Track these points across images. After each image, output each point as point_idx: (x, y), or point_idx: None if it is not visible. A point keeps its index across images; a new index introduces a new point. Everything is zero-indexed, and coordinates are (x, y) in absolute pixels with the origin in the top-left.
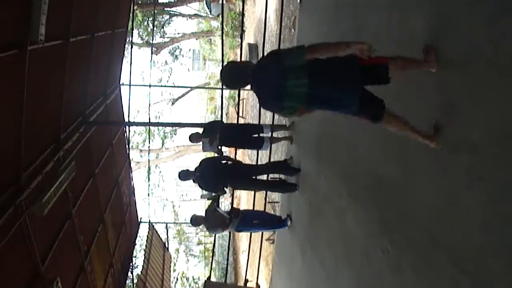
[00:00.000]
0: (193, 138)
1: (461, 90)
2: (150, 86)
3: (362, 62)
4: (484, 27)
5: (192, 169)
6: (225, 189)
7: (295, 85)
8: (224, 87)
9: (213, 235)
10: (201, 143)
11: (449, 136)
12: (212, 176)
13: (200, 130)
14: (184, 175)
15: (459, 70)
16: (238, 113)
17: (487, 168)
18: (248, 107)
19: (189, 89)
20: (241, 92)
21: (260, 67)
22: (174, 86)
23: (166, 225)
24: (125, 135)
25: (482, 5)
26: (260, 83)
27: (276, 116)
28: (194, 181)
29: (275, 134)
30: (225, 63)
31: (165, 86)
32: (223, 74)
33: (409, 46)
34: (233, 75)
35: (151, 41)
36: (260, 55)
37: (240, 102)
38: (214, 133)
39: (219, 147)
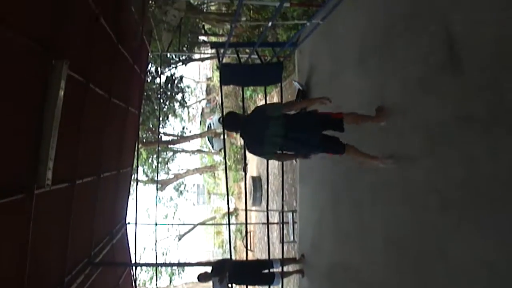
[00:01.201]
0: (202, 278)
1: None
2: (156, 224)
3: (321, 115)
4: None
5: None
6: None
7: (273, 134)
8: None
9: None
10: (210, 282)
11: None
12: None
13: (208, 268)
14: None
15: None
16: (246, 247)
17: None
18: (255, 239)
19: (196, 225)
20: (248, 226)
21: (248, 118)
22: (180, 224)
23: None
24: (132, 274)
25: None
26: (247, 131)
27: (286, 247)
28: None
29: (285, 268)
30: (230, 197)
31: (171, 224)
32: (224, 119)
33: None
34: (229, 122)
35: (156, 178)
36: (264, 187)
37: (248, 234)
38: (223, 271)
39: (229, 286)
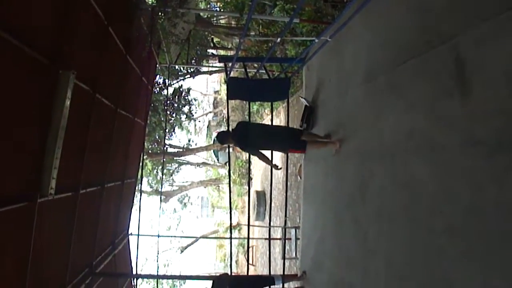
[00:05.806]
0: None
1: None
2: (158, 236)
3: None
4: None
5: None
6: None
7: (253, 138)
8: (231, 224)
9: None
10: None
11: None
12: None
13: (208, 283)
14: None
15: None
16: (248, 261)
17: None
18: (257, 254)
19: (198, 238)
20: (251, 240)
21: (236, 130)
22: (183, 237)
23: None
24: (133, 285)
25: None
26: (237, 138)
27: (287, 264)
28: None
29: (286, 285)
30: (234, 211)
31: (174, 236)
32: (217, 136)
33: None
34: (221, 138)
35: (160, 189)
36: (268, 202)
37: (250, 249)
38: (223, 286)
39: None
